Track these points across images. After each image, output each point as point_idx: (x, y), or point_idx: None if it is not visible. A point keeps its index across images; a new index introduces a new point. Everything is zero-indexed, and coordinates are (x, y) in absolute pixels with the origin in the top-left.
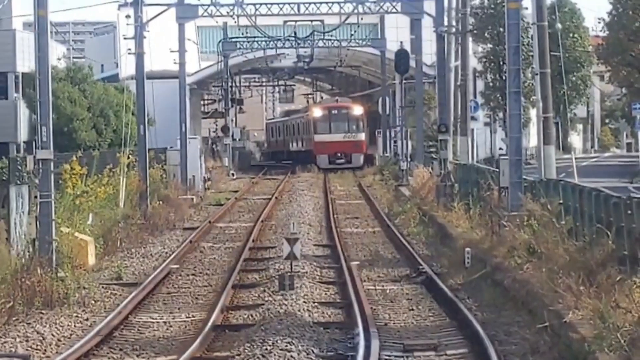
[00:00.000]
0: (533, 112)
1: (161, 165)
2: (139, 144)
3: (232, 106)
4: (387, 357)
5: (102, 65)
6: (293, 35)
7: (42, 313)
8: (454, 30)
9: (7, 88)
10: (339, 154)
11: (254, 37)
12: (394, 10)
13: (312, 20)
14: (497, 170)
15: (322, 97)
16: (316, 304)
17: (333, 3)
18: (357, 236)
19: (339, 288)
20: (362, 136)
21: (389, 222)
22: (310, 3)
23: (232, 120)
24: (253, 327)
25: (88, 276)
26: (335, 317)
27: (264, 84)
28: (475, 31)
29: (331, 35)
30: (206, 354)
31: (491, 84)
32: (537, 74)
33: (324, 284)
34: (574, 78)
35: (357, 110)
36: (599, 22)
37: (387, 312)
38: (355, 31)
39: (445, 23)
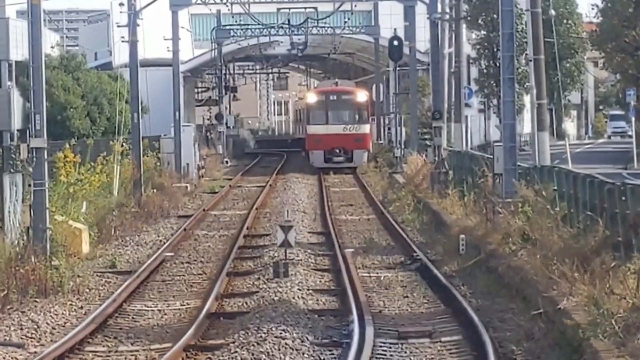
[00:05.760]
0: (527, 99)
1: (155, 153)
2: (133, 132)
3: (226, 94)
4: (381, 344)
5: (95, 53)
6: (287, 22)
7: (37, 301)
8: (447, 17)
9: (1, 76)
10: (337, 150)
11: (248, 24)
12: None
13: (305, 8)
14: (491, 157)
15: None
16: (311, 291)
17: None
18: (352, 223)
19: (334, 275)
20: (367, 128)
21: (383, 209)
22: None
23: (226, 108)
24: (248, 315)
25: (82, 264)
26: (329, 305)
27: (257, 71)
28: (468, 18)
29: (325, 23)
30: (201, 342)
31: (485, 71)
32: (531, 61)
33: (319, 271)
34: (567, 64)
35: (361, 95)
36: (593, 9)
37: (382, 299)
38: (349, 18)
39: (439, 10)
